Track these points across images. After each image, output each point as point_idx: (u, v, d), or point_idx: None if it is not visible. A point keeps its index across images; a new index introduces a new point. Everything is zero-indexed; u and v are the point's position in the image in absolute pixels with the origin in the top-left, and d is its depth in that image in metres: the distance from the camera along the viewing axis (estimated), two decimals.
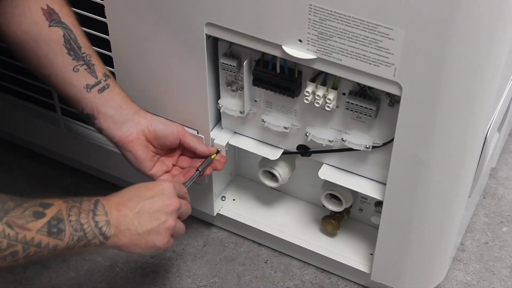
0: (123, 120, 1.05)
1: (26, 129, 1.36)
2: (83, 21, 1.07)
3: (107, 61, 1.14)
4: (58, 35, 1.01)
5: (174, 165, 1.11)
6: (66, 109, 1.26)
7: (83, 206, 0.92)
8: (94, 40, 1.12)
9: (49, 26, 1.00)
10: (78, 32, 1.03)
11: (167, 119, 1.11)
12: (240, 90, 1.09)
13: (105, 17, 1.09)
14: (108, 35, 1.10)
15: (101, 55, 1.13)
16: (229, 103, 1.11)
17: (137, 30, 1.07)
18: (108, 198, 0.96)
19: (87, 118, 1.05)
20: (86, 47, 1.04)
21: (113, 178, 1.35)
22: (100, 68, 1.04)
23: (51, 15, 1.00)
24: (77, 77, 1.02)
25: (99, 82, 1.04)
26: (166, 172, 1.10)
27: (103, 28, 1.10)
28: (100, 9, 1.08)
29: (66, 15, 1.02)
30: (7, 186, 1.36)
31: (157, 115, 1.11)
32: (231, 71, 1.07)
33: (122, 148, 1.07)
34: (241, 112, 1.10)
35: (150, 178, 1.09)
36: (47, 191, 1.36)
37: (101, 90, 1.04)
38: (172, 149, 1.11)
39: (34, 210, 0.88)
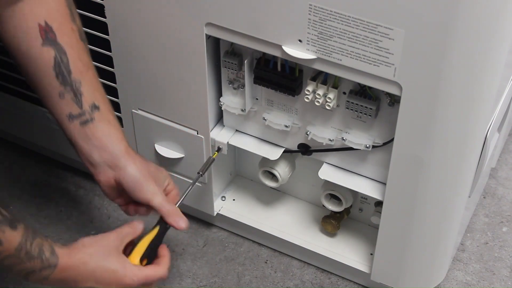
0: (98, 162, 1.00)
1: (26, 129, 1.36)
2: (83, 21, 1.07)
3: (107, 61, 1.14)
4: (49, 56, 0.95)
5: None
6: None
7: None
8: (94, 40, 1.12)
9: (42, 45, 0.94)
10: (73, 55, 0.97)
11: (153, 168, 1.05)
12: (241, 88, 1.09)
13: (105, 17, 1.09)
14: (108, 35, 1.10)
15: (101, 55, 1.14)
16: (231, 101, 1.11)
17: (137, 30, 1.07)
18: (65, 266, 0.94)
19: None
20: (78, 73, 0.97)
21: None
22: (88, 98, 0.98)
23: (46, 33, 0.94)
24: (61, 103, 0.97)
25: (83, 113, 0.97)
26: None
27: (103, 28, 1.10)
28: (100, 9, 1.08)
29: (65, 34, 0.96)
30: (7, 186, 1.36)
31: (155, 115, 1.11)
32: (232, 69, 1.07)
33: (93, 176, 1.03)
34: (242, 110, 1.10)
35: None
36: (47, 191, 1.36)
37: (84, 123, 0.98)
38: None
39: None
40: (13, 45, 0.96)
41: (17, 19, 0.93)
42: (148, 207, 1.04)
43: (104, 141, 0.99)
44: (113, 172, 1.01)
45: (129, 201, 1.05)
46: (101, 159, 1.00)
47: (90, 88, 0.98)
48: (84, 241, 0.97)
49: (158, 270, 1.01)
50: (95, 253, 0.96)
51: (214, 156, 1.12)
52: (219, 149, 1.13)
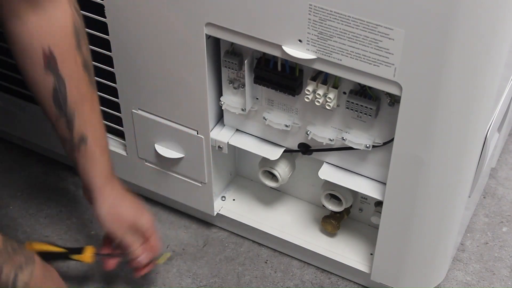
0: (85, 184, 1.07)
1: (26, 129, 1.36)
2: (83, 21, 1.07)
3: (107, 61, 1.14)
4: (49, 83, 0.97)
5: None
6: None
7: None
8: (94, 40, 1.12)
9: (44, 70, 0.96)
10: (71, 85, 0.98)
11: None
12: (241, 88, 1.09)
13: (105, 17, 1.09)
14: (108, 35, 1.10)
15: (101, 55, 1.14)
16: (231, 100, 1.11)
17: (137, 30, 1.07)
18: None
19: None
20: (73, 104, 0.99)
21: None
22: (78, 130, 1.01)
23: (49, 61, 0.95)
24: (58, 125, 1.01)
25: (72, 141, 1.02)
26: None
27: (103, 28, 1.10)
28: (100, 9, 1.08)
29: (67, 64, 0.97)
30: (7, 186, 1.36)
31: (155, 115, 1.11)
32: (233, 69, 1.07)
33: None
34: (242, 110, 1.10)
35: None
36: (47, 191, 1.36)
37: (72, 150, 1.04)
38: None
39: None
40: (19, 62, 0.98)
41: (25, 41, 0.95)
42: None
43: (85, 172, 1.06)
44: (94, 202, 1.08)
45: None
46: (87, 185, 1.07)
47: (81, 121, 1.01)
48: None
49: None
50: None
51: (159, 262, 1.18)
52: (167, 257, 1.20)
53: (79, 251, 1.16)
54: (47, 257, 1.18)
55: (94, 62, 1.16)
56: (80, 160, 1.04)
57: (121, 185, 1.09)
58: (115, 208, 1.07)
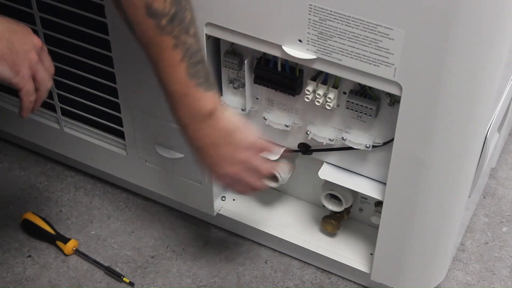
0: None
1: (26, 129, 1.36)
2: (83, 21, 1.07)
3: (107, 61, 1.14)
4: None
5: None
6: (66, 109, 1.26)
7: None
8: (94, 40, 1.12)
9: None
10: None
11: None
12: (241, 88, 1.09)
13: (105, 17, 1.08)
14: (108, 35, 1.10)
15: (101, 55, 1.14)
16: (231, 100, 1.11)
17: None
18: None
19: None
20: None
21: (113, 178, 1.35)
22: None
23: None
24: None
25: None
26: None
27: (103, 28, 1.10)
28: (100, 9, 1.08)
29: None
30: (7, 186, 1.36)
31: (155, 115, 1.10)
32: (233, 69, 1.07)
33: None
34: (242, 110, 1.10)
35: None
36: (47, 191, 1.36)
37: None
38: None
39: None
40: None
41: None
42: None
43: None
44: None
45: None
46: None
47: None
48: None
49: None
50: None
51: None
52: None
53: (64, 240, 1.25)
54: (36, 231, 1.26)
55: (94, 62, 1.16)
56: None
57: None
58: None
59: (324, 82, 1.02)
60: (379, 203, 1.16)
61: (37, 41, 0.93)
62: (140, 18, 0.89)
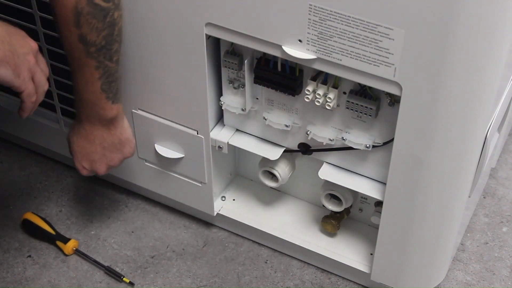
0: None
1: (26, 129, 1.36)
2: None
3: None
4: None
5: None
6: (66, 109, 1.26)
7: None
8: None
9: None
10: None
11: None
12: (241, 88, 1.09)
13: None
14: None
15: None
16: (231, 100, 1.11)
17: (137, 30, 1.07)
18: None
19: None
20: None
21: (113, 178, 1.35)
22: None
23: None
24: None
25: None
26: None
27: None
28: None
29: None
30: (7, 186, 1.36)
31: (156, 115, 1.10)
32: (233, 69, 1.07)
33: None
34: (242, 110, 1.10)
35: None
36: (47, 191, 1.36)
37: None
38: None
39: None
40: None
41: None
42: None
43: None
44: None
45: None
46: None
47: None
48: None
49: None
50: None
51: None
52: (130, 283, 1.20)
53: (64, 240, 1.24)
54: (36, 231, 1.27)
55: None
56: None
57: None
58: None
59: (324, 82, 1.02)
60: (379, 203, 1.16)
61: (33, 44, 0.96)
62: (71, 40, 0.97)
